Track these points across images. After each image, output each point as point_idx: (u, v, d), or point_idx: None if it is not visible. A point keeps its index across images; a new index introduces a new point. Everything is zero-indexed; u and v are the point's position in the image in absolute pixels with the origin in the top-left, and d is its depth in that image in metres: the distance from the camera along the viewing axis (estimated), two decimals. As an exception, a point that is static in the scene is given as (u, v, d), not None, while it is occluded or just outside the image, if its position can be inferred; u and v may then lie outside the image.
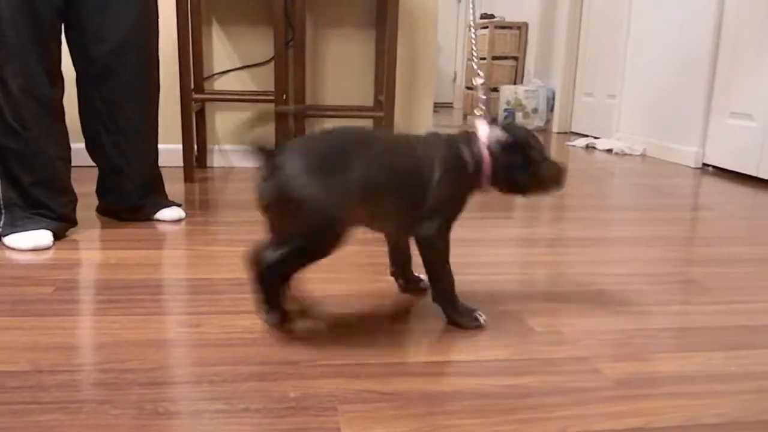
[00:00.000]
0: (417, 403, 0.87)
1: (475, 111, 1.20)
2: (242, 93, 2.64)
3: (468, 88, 5.48)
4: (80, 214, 1.68)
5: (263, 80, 2.64)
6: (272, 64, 2.43)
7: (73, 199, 1.66)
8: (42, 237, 1.52)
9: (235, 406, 0.85)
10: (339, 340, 1.07)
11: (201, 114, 2.62)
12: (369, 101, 2.72)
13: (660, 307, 1.27)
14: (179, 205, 1.85)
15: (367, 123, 2.71)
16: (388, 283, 1.32)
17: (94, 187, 1.80)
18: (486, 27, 5.17)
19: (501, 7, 5.46)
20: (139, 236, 1.66)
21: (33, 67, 1.50)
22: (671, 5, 3.36)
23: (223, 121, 2.69)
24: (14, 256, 1.48)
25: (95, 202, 1.82)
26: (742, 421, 0.85)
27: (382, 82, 2.46)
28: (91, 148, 1.74)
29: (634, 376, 0.97)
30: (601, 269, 1.51)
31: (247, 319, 1.12)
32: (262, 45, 2.61)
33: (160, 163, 1.84)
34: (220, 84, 2.66)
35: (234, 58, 2.65)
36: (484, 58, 5.18)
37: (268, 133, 2.63)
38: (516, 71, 5.22)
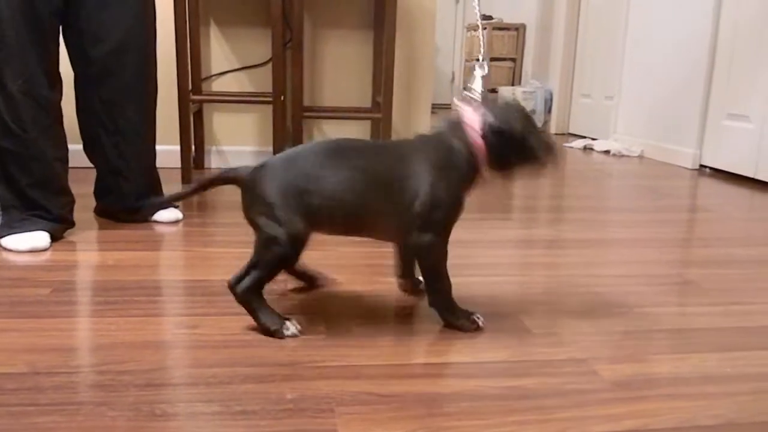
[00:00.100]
0: (415, 405, 0.87)
1: (464, 92, 1.18)
2: (240, 94, 2.64)
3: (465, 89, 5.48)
4: (78, 215, 1.68)
5: (261, 81, 2.64)
6: (270, 65, 2.43)
7: (71, 201, 1.66)
8: (39, 238, 1.52)
9: (232, 408, 0.85)
10: (336, 341, 1.07)
11: (199, 115, 2.62)
12: (367, 102, 2.73)
13: (657, 309, 1.27)
14: (176, 207, 1.85)
15: (365, 124, 2.71)
16: (385, 285, 1.32)
17: (91, 188, 1.80)
18: (484, 28, 5.17)
19: (499, 8, 5.47)
20: (137, 237, 1.66)
21: (32, 68, 1.50)
22: (669, 7, 3.37)
23: (221, 123, 2.69)
24: (11, 257, 1.47)
25: (93, 203, 1.82)
26: (738, 423, 0.86)
27: (380, 84, 2.46)
28: (89, 149, 1.73)
29: (632, 378, 0.97)
30: (599, 271, 1.51)
31: (244, 321, 1.11)
32: (259, 46, 2.61)
33: (158, 164, 1.84)
34: (218, 85, 2.66)
35: (232, 59, 2.65)
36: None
37: (266, 135, 2.63)
38: (514, 73, 5.23)
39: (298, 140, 2.37)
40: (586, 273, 1.48)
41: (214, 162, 2.70)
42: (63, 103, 1.60)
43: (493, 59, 5.15)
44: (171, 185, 2.10)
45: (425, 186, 1.04)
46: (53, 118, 1.57)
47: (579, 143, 3.91)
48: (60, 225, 1.60)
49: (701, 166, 3.12)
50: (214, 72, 2.64)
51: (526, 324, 1.16)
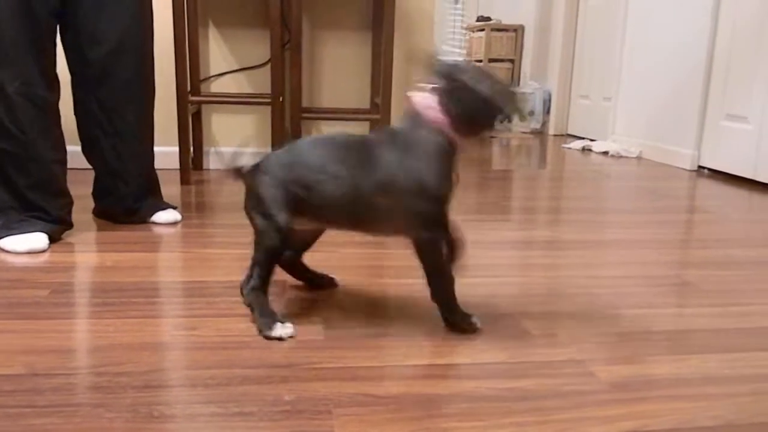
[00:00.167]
0: (412, 407, 0.87)
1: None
2: (239, 95, 2.64)
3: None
4: (76, 216, 1.68)
5: (260, 82, 2.64)
6: (269, 66, 2.43)
7: (69, 202, 1.65)
8: (37, 240, 1.52)
9: (230, 410, 0.85)
10: (334, 343, 1.07)
11: (197, 116, 2.61)
12: (366, 103, 2.73)
13: (655, 310, 1.27)
14: (175, 208, 1.85)
15: (363, 125, 2.71)
16: (384, 286, 1.32)
17: (90, 189, 1.80)
18: (482, 30, 5.18)
19: (497, 9, 5.47)
20: (135, 239, 1.66)
21: (30, 69, 1.49)
22: (667, 8, 3.38)
23: (220, 124, 2.69)
24: (10, 258, 1.47)
25: (91, 204, 1.82)
26: (738, 424, 0.86)
27: (378, 85, 2.46)
28: (88, 150, 1.73)
29: (630, 379, 0.97)
30: (597, 272, 1.51)
31: (243, 322, 1.11)
32: (258, 47, 2.61)
33: (157, 165, 1.84)
34: (217, 86, 2.66)
35: (230, 60, 2.65)
36: (480, 61, 5.20)
37: (264, 135, 2.63)
38: (512, 74, 5.23)
39: (296, 141, 2.36)
40: (584, 274, 1.48)
41: (213, 163, 2.70)
42: (61, 105, 1.60)
43: (491, 60, 5.16)
44: (170, 186, 2.10)
45: (400, 170, 1.04)
46: (51, 119, 1.57)
47: (577, 144, 3.91)
48: (58, 226, 1.60)
49: (700, 167, 3.12)
50: (212, 73, 2.64)
51: (524, 325, 1.16)
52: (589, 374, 0.98)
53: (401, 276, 1.40)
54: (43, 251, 1.51)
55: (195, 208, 2.04)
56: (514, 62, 5.20)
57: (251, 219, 1.11)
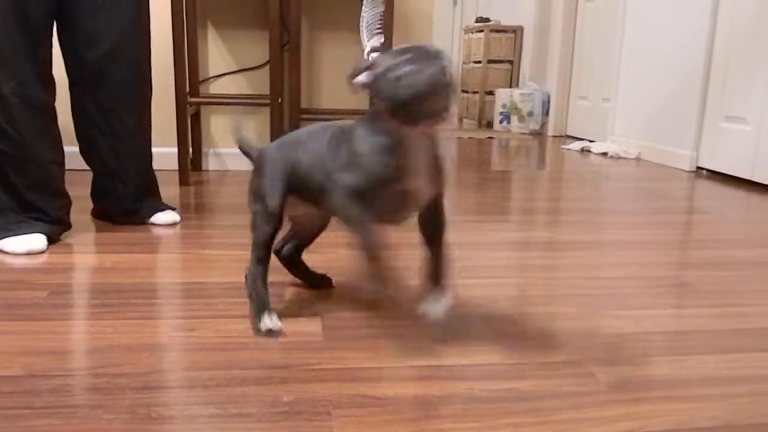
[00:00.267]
0: (411, 408, 0.87)
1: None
2: (238, 96, 2.64)
3: (463, 91, 5.49)
4: (75, 217, 1.68)
5: (259, 84, 2.64)
6: (267, 67, 2.43)
7: (68, 203, 1.65)
8: (36, 241, 1.52)
9: (229, 411, 0.85)
10: (333, 344, 1.07)
11: (196, 117, 2.62)
12: (364, 105, 2.72)
13: (654, 311, 1.27)
14: (174, 209, 1.85)
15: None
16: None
17: (88, 190, 1.80)
18: (481, 31, 5.18)
19: (496, 10, 5.48)
20: (134, 240, 1.66)
21: (26, 70, 1.49)
22: (666, 9, 3.38)
23: (219, 125, 2.69)
24: (8, 259, 1.47)
25: (90, 205, 1.82)
26: (735, 425, 0.86)
27: (377, 86, 2.46)
28: (85, 151, 1.73)
29: (628, 380, 0.97)
30: (596, 273, 1.51)
31: (242, 323, 1.11)
32: (257, 48, 2.61)
33: (155, 166, 1.84)
34: (216, 87, 2.66)
35: (229, 61, 2.65)
36: (479, 62, 5.20)
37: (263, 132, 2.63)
38: (511, 75, 5.23)
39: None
40: (583, 275, 1.49)
41: (212, 164, 2.70)
42: (58, 105, 1.60)
43: (490, 61, 5.16)
44: (169, 187, 2.10)
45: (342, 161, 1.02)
46: (48, 120, 1.57)
47: (576, 145, 3.92)
48: (57, 227, 1.60)
49: (698, 168, 3.12)
50: (211, 74, 2.65)
51: (522, 326, 1.16)
52: (587, 375, 0.98)
53: (400, 277, 1.40)
54: (42, 252, 1.51)
55: (194, 210, 2.04)
56: (513, 63, 5.21)
57: (248, 202, 1.15)
